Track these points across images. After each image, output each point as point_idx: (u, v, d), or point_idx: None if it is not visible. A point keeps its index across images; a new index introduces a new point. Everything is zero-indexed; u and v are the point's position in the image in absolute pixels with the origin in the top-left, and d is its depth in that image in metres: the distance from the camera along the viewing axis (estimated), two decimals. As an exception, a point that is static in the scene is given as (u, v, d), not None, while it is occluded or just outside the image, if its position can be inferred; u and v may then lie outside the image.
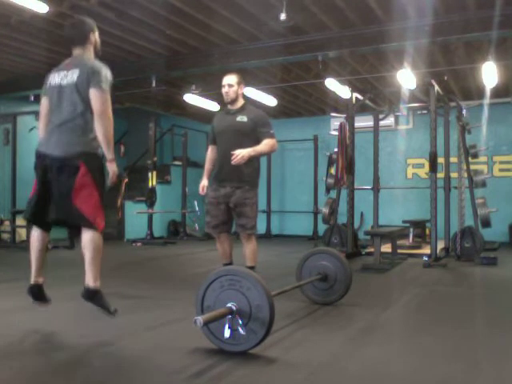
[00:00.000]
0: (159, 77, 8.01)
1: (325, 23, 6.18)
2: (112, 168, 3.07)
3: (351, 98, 7.30)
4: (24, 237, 8.28)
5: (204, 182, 4.33)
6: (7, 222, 8.72)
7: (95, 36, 3.22)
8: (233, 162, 3.90)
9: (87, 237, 2.96)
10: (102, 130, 2.98)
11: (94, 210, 2.98)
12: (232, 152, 3.91)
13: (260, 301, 2.49)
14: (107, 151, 3.02)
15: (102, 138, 2.99)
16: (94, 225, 2.97)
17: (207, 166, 4.39)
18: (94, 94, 2.97)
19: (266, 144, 4.09)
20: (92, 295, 2.96)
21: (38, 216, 3.09)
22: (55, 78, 3.11)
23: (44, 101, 3.18)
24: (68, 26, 3.25)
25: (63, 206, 3.00)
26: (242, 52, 7.02)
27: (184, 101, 9.20)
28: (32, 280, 3.10)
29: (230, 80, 4.19)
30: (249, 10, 5.77)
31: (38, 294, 3.12)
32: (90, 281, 2.96)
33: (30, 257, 3.10)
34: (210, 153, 4.39)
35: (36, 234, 3.12)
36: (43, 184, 3.05)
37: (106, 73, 3.04)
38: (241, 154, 3.89)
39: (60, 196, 2.99)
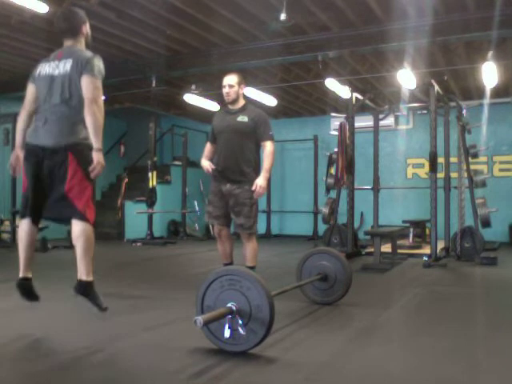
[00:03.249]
0: (159, 77, 8.01)
1: (325, 23, 6.18)
2: (98, 158, 2.90)
3: (351, 98, 7.30)
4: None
5: (206, 162, 4.18)
6: (7, 222, 8.71)
7: (87, 28, 3.19)
8: (256, 196, 4.04)
9: (79, 229, 2.92)
10: (91, 117, 2.89)
11: (85, 202, 2.94)
12: (253, 188, 3.99)
13: (260, 301, 2.49)
14: (95, 140, 2.90)
15: (90, 126, 2.89)
16: (86, 217, 2.93)
17: (205, 157, 4.29)
18: (85, 81, 2.92)
19: (268, 156, 4.09)
20: (85, 288, 2.92)
21: (33, 211, 3.04)
22: (46, 68, 3.05)
23: (31, 88, 3.11)
24: (60, 17, 3.17)
25: (56, 199, 2.95)
26: (242, 52, 7.02)
27: (184, 101, 9.20)
28: (21, 274, 3.05)
29: (230, 80, 4.17)
30: (249, 10, 5.77)
31: (26, 288, 3.05)
32: (82, 274, 2.92)
33: (19, 251, 3.06)
34: (209, 149, 4.32)
35: (25, 227, 3.05)
36: (35, 177, 2.99)
37: (99, 62, 3.01)
38: (259, 186, 3.98)
39: (53, 189, 2.95)
